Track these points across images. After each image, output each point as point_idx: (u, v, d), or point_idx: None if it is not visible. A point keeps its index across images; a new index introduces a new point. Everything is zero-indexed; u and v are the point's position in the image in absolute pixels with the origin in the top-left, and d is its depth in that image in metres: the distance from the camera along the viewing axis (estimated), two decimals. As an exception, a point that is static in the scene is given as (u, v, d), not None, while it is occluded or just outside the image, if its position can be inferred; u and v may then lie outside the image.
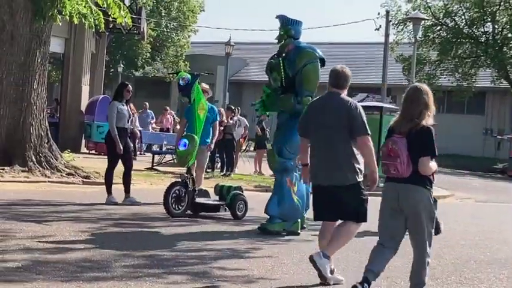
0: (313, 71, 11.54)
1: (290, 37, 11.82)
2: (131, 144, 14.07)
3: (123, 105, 13.67)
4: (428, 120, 6.68)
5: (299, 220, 11.44)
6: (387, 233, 6.90)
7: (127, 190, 13.71)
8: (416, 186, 6.64)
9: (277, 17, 12.06)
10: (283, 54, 11.77)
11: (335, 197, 7.62)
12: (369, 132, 7.52)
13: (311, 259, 7.43)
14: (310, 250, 9.73)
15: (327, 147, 7.59)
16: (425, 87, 6.82)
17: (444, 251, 10.51)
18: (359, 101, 44.11)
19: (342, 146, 7.53)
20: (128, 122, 13.74)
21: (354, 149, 7.57)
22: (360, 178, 7.60)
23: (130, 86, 14.07)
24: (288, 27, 11.83)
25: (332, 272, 7.60)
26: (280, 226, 11.23)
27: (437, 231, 6.86)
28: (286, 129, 11.59)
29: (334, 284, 7.56)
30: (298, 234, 11.30)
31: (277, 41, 11.99)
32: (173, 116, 33.32)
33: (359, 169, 7.58)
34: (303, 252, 9.62)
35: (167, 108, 33.87)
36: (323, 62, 11.72)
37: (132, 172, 14.05)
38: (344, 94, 7.74)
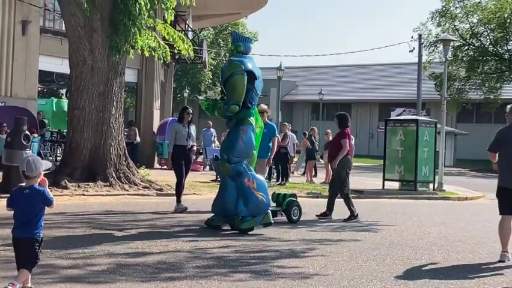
0: (239, 82, 11.06)
1: (239, 52, 11.44)
2: (192, 158, 13.94)
3: (183, 126, 13.67)
4: None
5: (269, 211, 11.13)
6: None
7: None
8: None
9: (231, 33, 11.84)
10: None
11: None
12: None
13: (501, 261, 8.84)
14: (359, 248, 9.66)
15: None
16: None
17: (479, 246, 10.32)
18: (396, 115, 43.38)
19: None
20: (186, 141, 13.53)
21: None
22: None
23: (189, 110, 14.00)
24: (239, 43, 11.51)
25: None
26: (251, 223, 10.92)
27: None
28: (230, 136, 11.39)
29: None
30: (271, 224, 11.06)
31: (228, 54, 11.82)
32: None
33: None
34: (353, 250, 9.52)
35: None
36: (252, 74, 11.26)
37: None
38: None
